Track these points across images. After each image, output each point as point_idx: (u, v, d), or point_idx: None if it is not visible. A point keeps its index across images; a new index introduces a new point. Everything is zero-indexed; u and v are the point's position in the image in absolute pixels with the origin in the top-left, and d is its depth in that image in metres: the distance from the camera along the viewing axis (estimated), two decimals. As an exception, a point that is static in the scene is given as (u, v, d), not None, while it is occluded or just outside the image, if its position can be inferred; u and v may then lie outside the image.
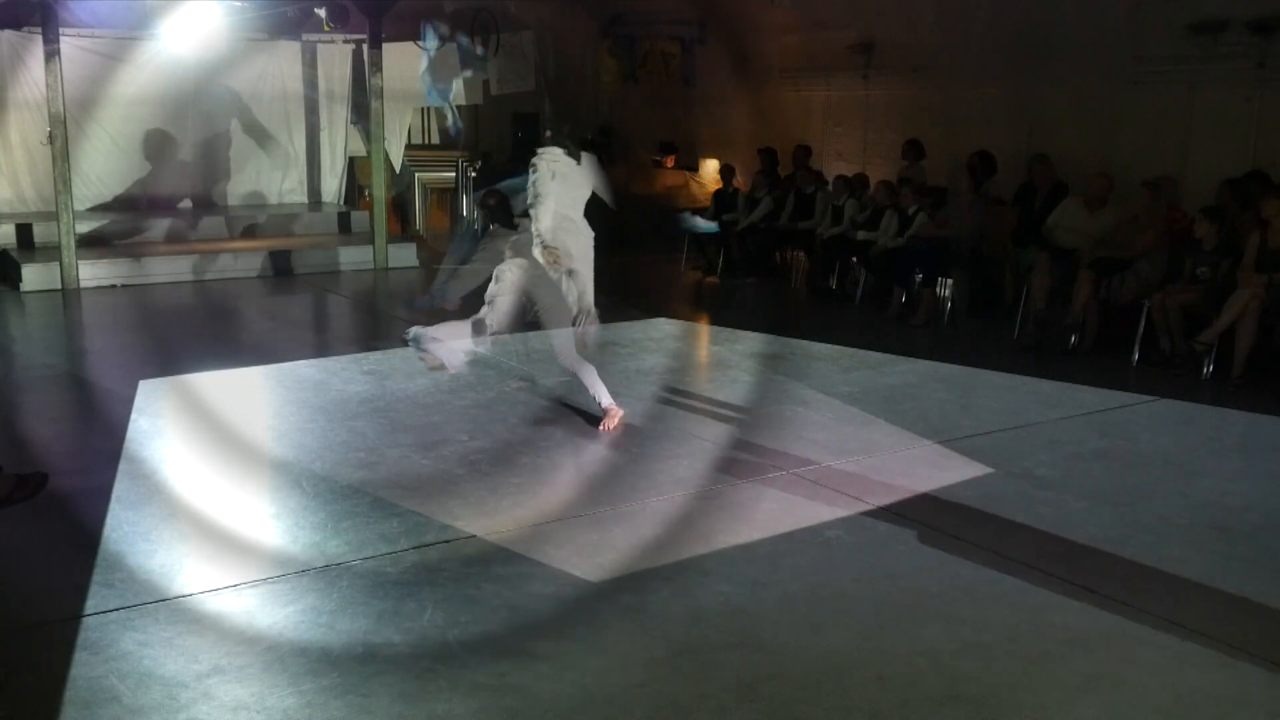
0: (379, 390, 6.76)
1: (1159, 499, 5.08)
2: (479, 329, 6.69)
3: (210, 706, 3.24)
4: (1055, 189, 9.17)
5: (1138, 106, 9.31)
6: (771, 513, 4.84)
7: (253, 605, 3.89)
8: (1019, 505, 4.96)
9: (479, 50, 13.34)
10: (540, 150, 5.91)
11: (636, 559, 4.34)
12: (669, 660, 3.55)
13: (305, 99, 13.69)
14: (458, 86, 13.54)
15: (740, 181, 12.24)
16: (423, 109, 15.93)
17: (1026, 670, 3.54)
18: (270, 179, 13.77)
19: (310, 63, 13.57)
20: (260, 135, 13.55)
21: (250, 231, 12.52)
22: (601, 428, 6.03)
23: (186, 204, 12.85)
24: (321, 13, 11.98)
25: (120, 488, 4.99)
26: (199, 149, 13.16)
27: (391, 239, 12.09)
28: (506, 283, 6.81)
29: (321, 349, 8.42)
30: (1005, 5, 10.07)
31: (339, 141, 14.12)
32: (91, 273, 10.38)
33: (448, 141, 15.90)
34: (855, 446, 5.78)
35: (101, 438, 5.80)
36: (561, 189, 5.78)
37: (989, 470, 5.41)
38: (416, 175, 15.18)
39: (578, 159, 5.92)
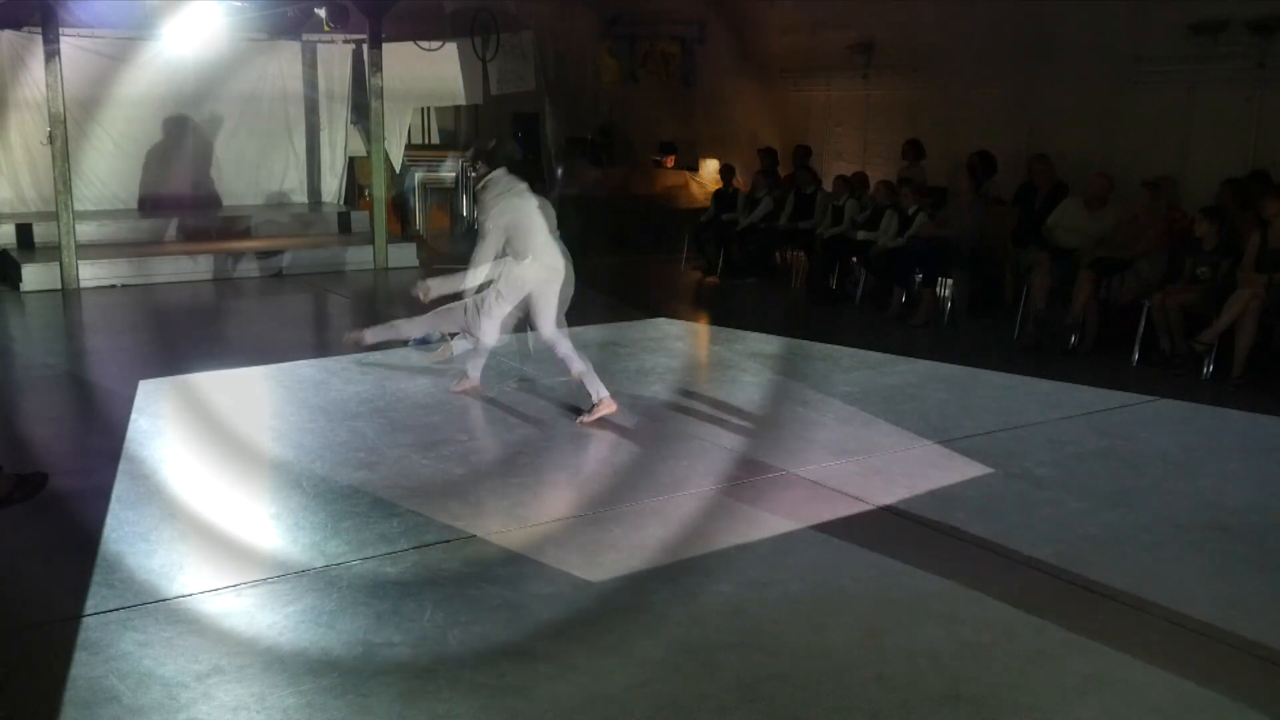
0: (379, 390, 6.76)
1: (1159, 499, 5.08)
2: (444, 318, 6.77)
3: (210, 706, 3.24)
4: (1055, 189, 9.17)
5: (1138, 106, 9.31)
6: (771, 513, 4.83)
7: (253, 605, 3.89)
8: (1019, 505, 4.96)
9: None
10: (486, 181, 5.96)
11: (636, 559, 4.34)
12: (669, 660, 3.55)
13: (305, 99, 13.70)
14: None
15: (740, 181, 12.24)
16: (423, 109, 15.96)
17: (1026, 670, 3.54)
18: (270, 179, 13.77)
19: (310, 63, 13.57)
20: (260, 135, 13.55)
21: (250, 231, 12.52)
22: (581, 420, 6.09)
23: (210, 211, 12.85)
24: (321, 13, 11.97)
25: (120, 488, 4.99)
26: (199, 149, 13.16)
27: (391, 239, 12.08)
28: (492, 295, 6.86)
29: (321, 349, 8.41)
30: (1005, 5, 10.07)
31: (339, 141, 14.12)
32: (91, 273, 10.38)
33: (448, 141, 15.94)
34: (855, 446, 5.78)
35: (101, 438, 5.80)
36: (516, 219, 5.89)
37: (989, 470, 5.41)
38: (416, 175, 15.19)
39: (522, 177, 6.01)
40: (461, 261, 6.97)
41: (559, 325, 6.07)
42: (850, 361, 7.78)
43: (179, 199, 12.97)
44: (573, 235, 7.01)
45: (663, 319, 9.18)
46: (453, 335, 7.44)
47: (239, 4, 11.55)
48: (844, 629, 3.81)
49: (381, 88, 11.72)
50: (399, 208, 14.45)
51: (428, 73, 13.79)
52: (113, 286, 10.44)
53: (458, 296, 6.42)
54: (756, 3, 12.80)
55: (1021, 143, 10.01)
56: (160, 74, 12.57)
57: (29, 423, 6.25)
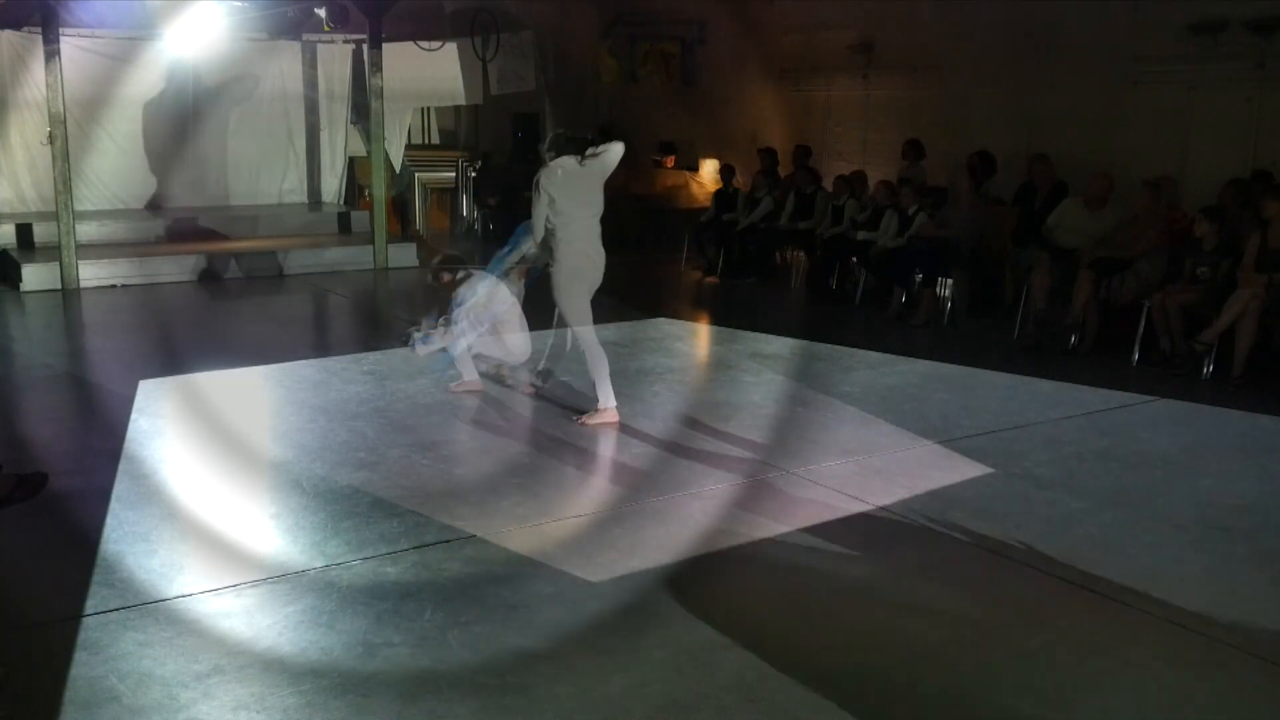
0: (379, 390, 6.76)
1: (1159, 499, 5.08)
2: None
3: (210, 706, 3.24)
4: (1055, 189, 9.17)
5: (1138, 106, 9.31)
6: (771, 513, 4.83)
7: (253, 605, 3.89)
8: (1019, 505, 4.96)
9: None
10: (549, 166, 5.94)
11: (637, 559, 4.33)
12: (669, 660, 3.55)
13: (305, 99, 13.70)
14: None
15: (740, 181, 12.24)
16: (423, 109, 15.96)
17: (1026, 670, 3.54)
18: (270, 179, 13.78)
19: (310, 63, 13.57)
20: (260, 135, 13.56)
21: (250, 231, 12.52)
22: (579, 420, 6.09)
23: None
24: (321, 13, 11.97)
25: (120, 488, 4.99)
26: (199, 149, 13.16)
27: (391, 239, 12.09)
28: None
29: (321, 349, 8.42)
30: (1005, 5, 10.07)
31: (339, 141, 14.12)
32: (91, 273, 10.38)
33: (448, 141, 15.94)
34: (855, 446, 5.78)
35: (101, 438, 5.80)
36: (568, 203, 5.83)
37: (989, 470, 5.41)
38: (416, 175, 15.19)
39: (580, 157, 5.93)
40: (462, 261, 6.99)
41: (586, 321, 6.04)
42: (850, 361, 7.78)
43: (179, 199, 12.98)
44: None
45: (663, 319, 9.18)
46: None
47: (239, 4, 11.55)
48: (844, 629, 3.81)
49: (381, 88, 11.72)
50: (399, 208, 14.45)
51: (428, 73, 13.79)
52: (113, 286, 10.44)
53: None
54: (756, 3, 12.80)
55: (1021, 143, 10.01)
56: (160, 74, 12.59)
57: (29, 423, 6.25)
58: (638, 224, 12.78)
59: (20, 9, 11.05)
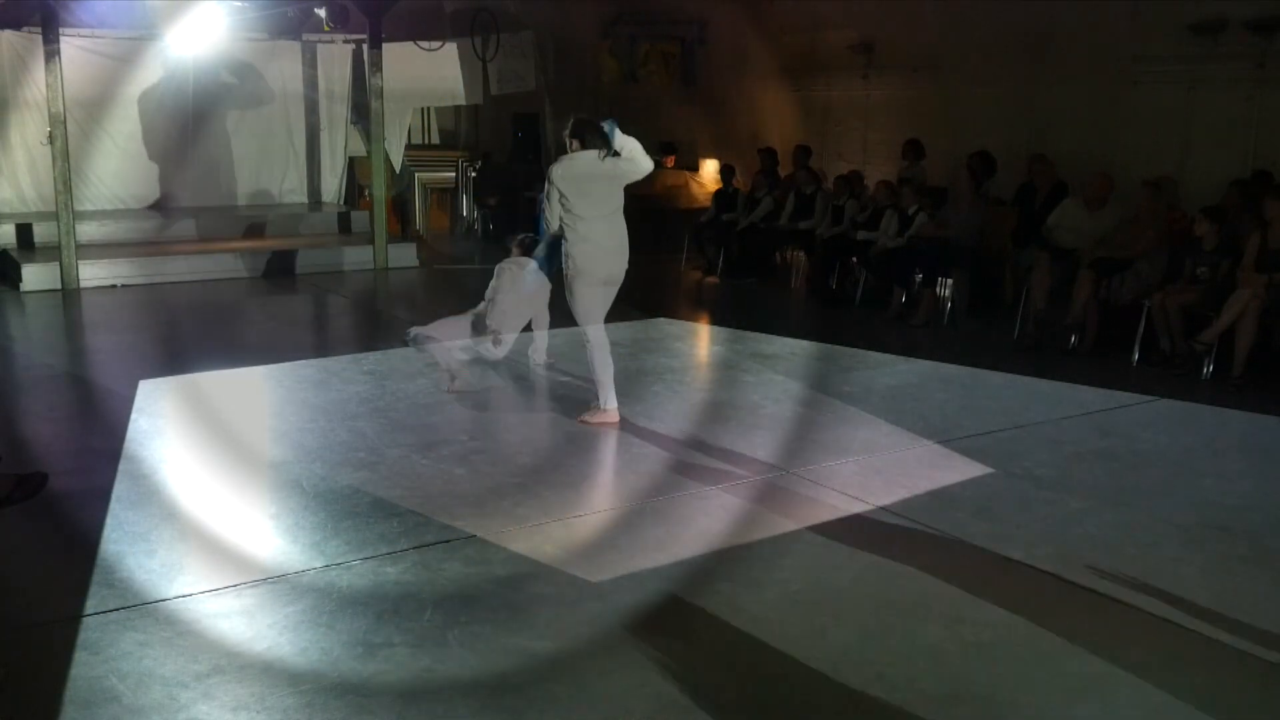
0: (379, 390, 6.76)
1: (1159, 499, 5.08)
2: (479, 326, 6.84)
3: (210, 706, 3.24)
4: (1055, 189, 9.17)
5: (1138, 106, 9.31)
6: (771, 513, 4.83)
7: (253, 605, 3.89)
8: (1019, 505, 4.96)
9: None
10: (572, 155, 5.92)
11: (636, 559, 4.33)
12: (669, 660, 3.55)
13: (305, 99, 13.70)
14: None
15: (740, 181, 12.24)
16: (423, 109, 15.96)
17: (1026, 670, 3.54)
18: (270, 179, 13.78)
19: (310, 63, 13.57)
20: (260, 135, 13.56)
21: (250, 231, 12.52)
22: (580, 418, 6.09)
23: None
24: (321, 13, 11.98)
25: (120, 488, 4.99)
26: (199, 149, 13.16)
27: (391, 239, 12.08)
28: (506, 279, 6.97)
29: (321, 349, 8.41)
30: (1005, 5, 10.07)
31: (339, 141, 14.12)
32: (91, 273, 10.38)
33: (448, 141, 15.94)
34: (855, 446, 5.78)
35: (101, 438, 5.80)
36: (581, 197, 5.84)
37: (989, 470, 5.41)
38: (416, 175, 15.18)
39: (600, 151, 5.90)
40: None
41: (595, 320, 6.04)
42: (850, 361, 7.78)
43: (179, 199, 12.99)
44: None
45: (663, 319, 9.18)
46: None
47: (239, 4, 11.55)
48: (844, 629, 3.81)
49: (381, 88, 11.72)
50: (399, 208, 14.45)
51: (428, 73, 13.78)
52: (113, 286, 10.44)
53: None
54: (756, 3, 12.80)
55: (1021, 143, 10.01)
56: (160, 74, 12.58)
57: (29, 423, 6.25)
58: (638, 224, 12.78)
59: (20, 9, 11.05)
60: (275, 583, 4.07)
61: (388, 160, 12.93)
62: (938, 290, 9.39)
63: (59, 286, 10.18)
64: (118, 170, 12.71)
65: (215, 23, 11.63)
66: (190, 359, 7.67)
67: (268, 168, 13.71)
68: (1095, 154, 9.33)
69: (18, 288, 10.22)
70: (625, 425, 6.05)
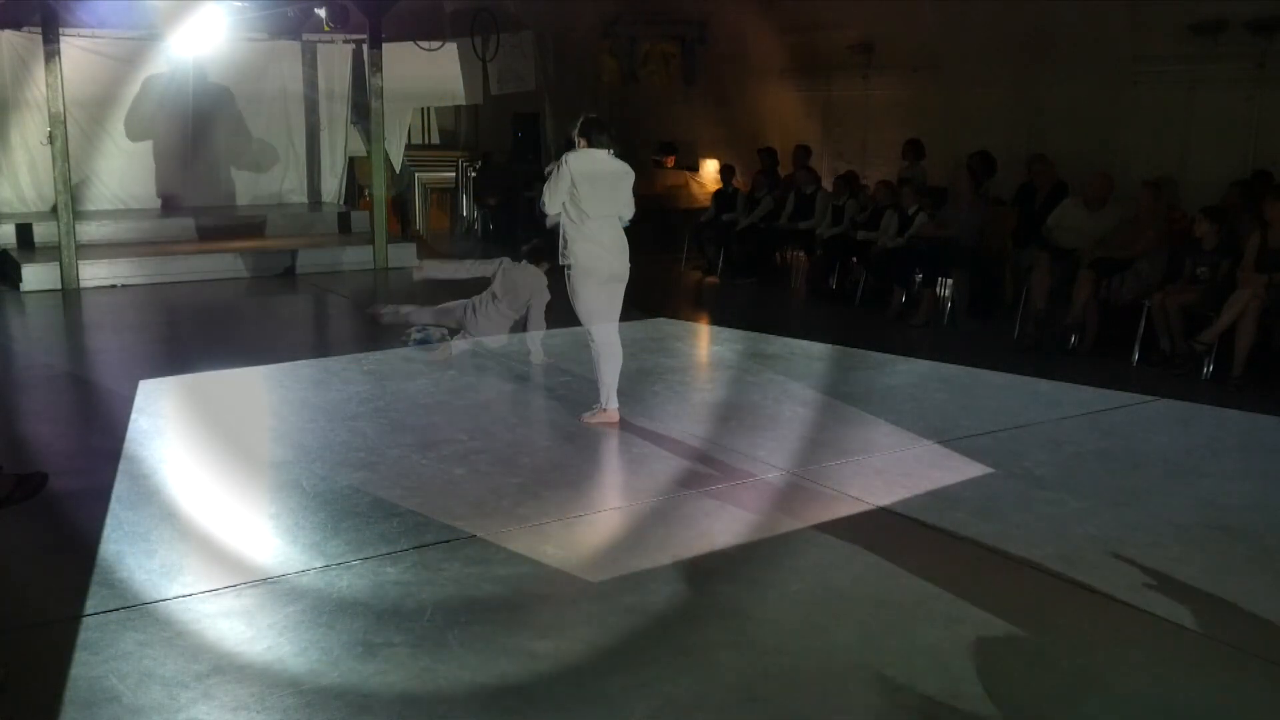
0: (379, 390, 6.76)
1: (1159, 499, 5.08)
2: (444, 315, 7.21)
3: (210, 706, 3.24)
4: (1055, 189, 9.16)
5: (1138, 106, 9.31)
6: (772, 513, 4.83)
7: (253, 605, 3.89)
8: (1019, 505, 4.95)
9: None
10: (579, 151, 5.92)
11: (636, 559, 4.33)
12: (669, 660, 3.55)
13: (305, 99, 13.70)
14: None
15: (740, 181, 12.24)
16: (423, 109, 15.96)
17: (1026, 670, 3.54)
18: (270, 179, 13.78)
19: (310, 63, 13.57)
20: (260, 135, 13.56)
21: (250, 231, 12.52)
22: (582, 418, 6.09)
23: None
24: (321, 13, 11.98)
25: (120, 488, 4.99)
26: (199, 149, 13.17)
27: (391, 239, 12.09)
28: (499, 286, 7.09)
29: (321, 349, 8.42)
30: (1005, 5, 10.06)
31: (339, 141, 14.13)
32: (91, 273, 10.39)
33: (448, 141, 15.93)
34: (855, 446, 5.78)
35: (101, 438, 5.80)
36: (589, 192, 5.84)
37: (989, 470, 5.41)
38: (416, 175, 15.19)
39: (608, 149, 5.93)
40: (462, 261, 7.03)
41: (598, 319, 6.03)
42: (850, 361, 7.78)
43: (179, 199, 13.00)
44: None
45: (663, 319, 9.18)
46: (452, 335, 7.53)
47: (239, 4, 11.55)
48: (844, 629, 3.81)
49: (381, 88, 11.72)
50: (399, 208, 14.45)
51: (428, 73, 13.79)
52: (113, 286, 10.44)
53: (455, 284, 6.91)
54: (756, 3, 12.80)
55: (1021, 143, 10.01)
56: (160, 74, 12.58)
57: (29, 423, 6.25)
58: (638, 224, 12.78)
59: (20, 9, 11.06)
60: (275, 583, 4.07)
61: (388, 160, 12.93)
62: (938, 290, 9.39)
63: (59, 286, 10.18)
64: (117, 170, 12.72)
65: (215, 23, 11.63)
66: (190, 359, 7.67)
67: (268, 168, 13.71)
68: (1095, 154, 9.33)
69: (18, 288, 10.22)
70: (625, 425, 6.05)
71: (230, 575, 4.11)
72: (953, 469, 5.44)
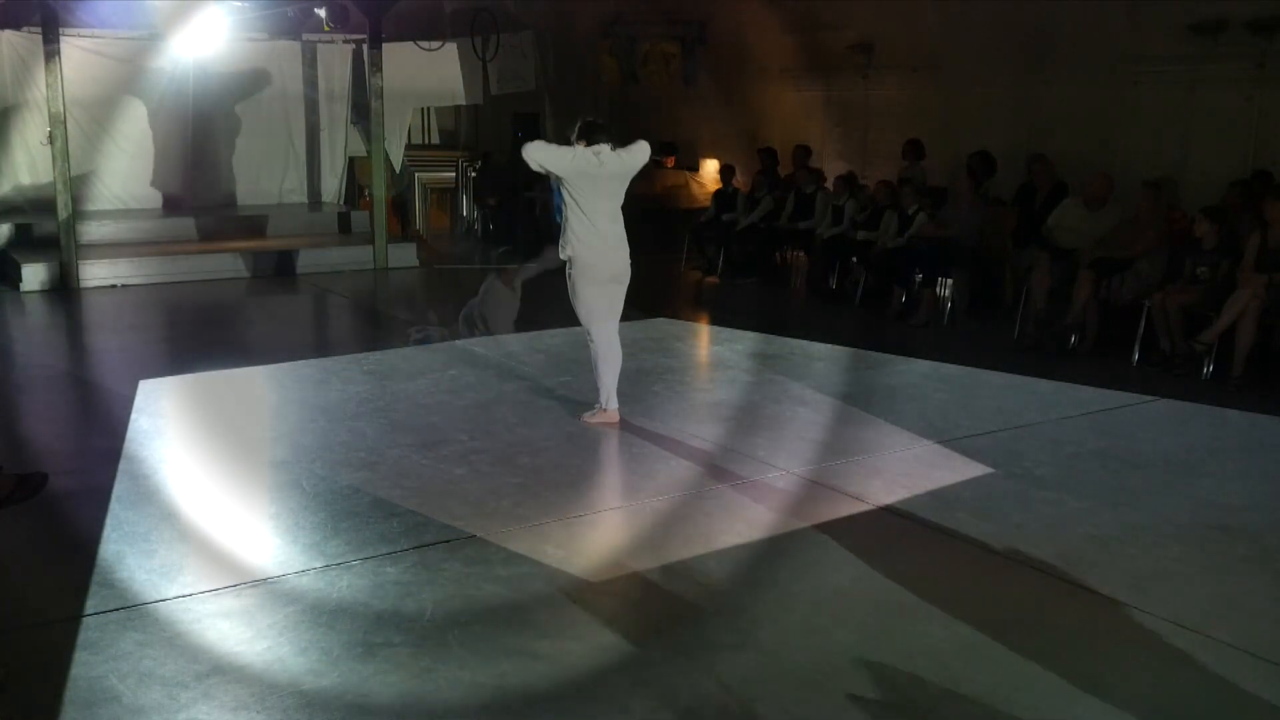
0: (379, 390, 6.76)
1: (1159, 499, 5.08)
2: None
3: (210, 706, 3.24)
4: (1055, 189, 9.17)
5: (1138, 106, 9.31)
6: (772, 513, 4.83)
7: (253, 605, 3.89)
8: (1019, 505, 4.95)
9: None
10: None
11: (636, 559, 4.33)
12: (669, 660, 3.55)
13: (305, 99, 13.70)
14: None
15: (740, 181, 12.24)
16: (423, 109, 15.95)
17: (1026, 670, 3.54)
18: (270, 179, 13.78)
19: (310, 63, 13.57)
20: (260, 135, 13.56)
21: (250, 231, 12.53)
22: (582, 418, 6.09)
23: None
24: (321, 13, 11.98)
25: (120, 488, 4.99)
26: (199, 149, 13.16)
27: (391, 239, 12.09)
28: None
29: (321, 349, 8.42)
30: (1005, 5, 10.07)
31: (339, 141, 14.12)
32: (91, 273, 10.39)
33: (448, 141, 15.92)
34: (855, 446, 5.78)
35: (101, 438, 5.80)
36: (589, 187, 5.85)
37: (989, 470, 5.41)
38: (416, 175, 15.18)
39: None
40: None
41: (598, 320, 6.03)
42: (850, 361, 7.78)
43: (178, 199, 13.00)
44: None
45: (663, 319, 9.18)
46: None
47: (239, 4, 11.55)
48: (844, 629, 3.81)
49: (381, 88, 11.72)
50: (399, 208, 14.45)
51: (428, 73, 13.79)
52: (113, 286, 10.44)
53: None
54: (756, 2, 12.80)
55: (1021, 143, 10.01)
56: (160, 74, 12.58)
57: (29, 423, 6.25)
58: (637, 224, 12.79)
59: (20, 9, 11.07)
60: (275, 583, 4.07)
61: (388, 160, 12.93)
62: (938, 290, 9.39)
63: (59, 286, 10.18)
64: (117, 170, 12.71)
65: (215, 23, 11.63)
66: (190, 359, 7.67)
67: (268, 168, 13.71)
68: (1095, 154, 9.33)
69: (18, 288, 10.22)
70: (625, 425, 6.05)
71: (230, 575, 4.11)
72: (953, 469, 5.44)
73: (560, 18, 14.09)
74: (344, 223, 13.10)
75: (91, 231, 11.30)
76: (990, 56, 10.33)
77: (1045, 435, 6.04)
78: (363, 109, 12.91)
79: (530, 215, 13.83)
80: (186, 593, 3.97)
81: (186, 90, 12.85)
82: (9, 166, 12.16)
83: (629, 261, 6.07)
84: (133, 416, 6.11)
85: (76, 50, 11.53)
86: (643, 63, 14.17)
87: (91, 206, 12.22)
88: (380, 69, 11.70)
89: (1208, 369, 7.33)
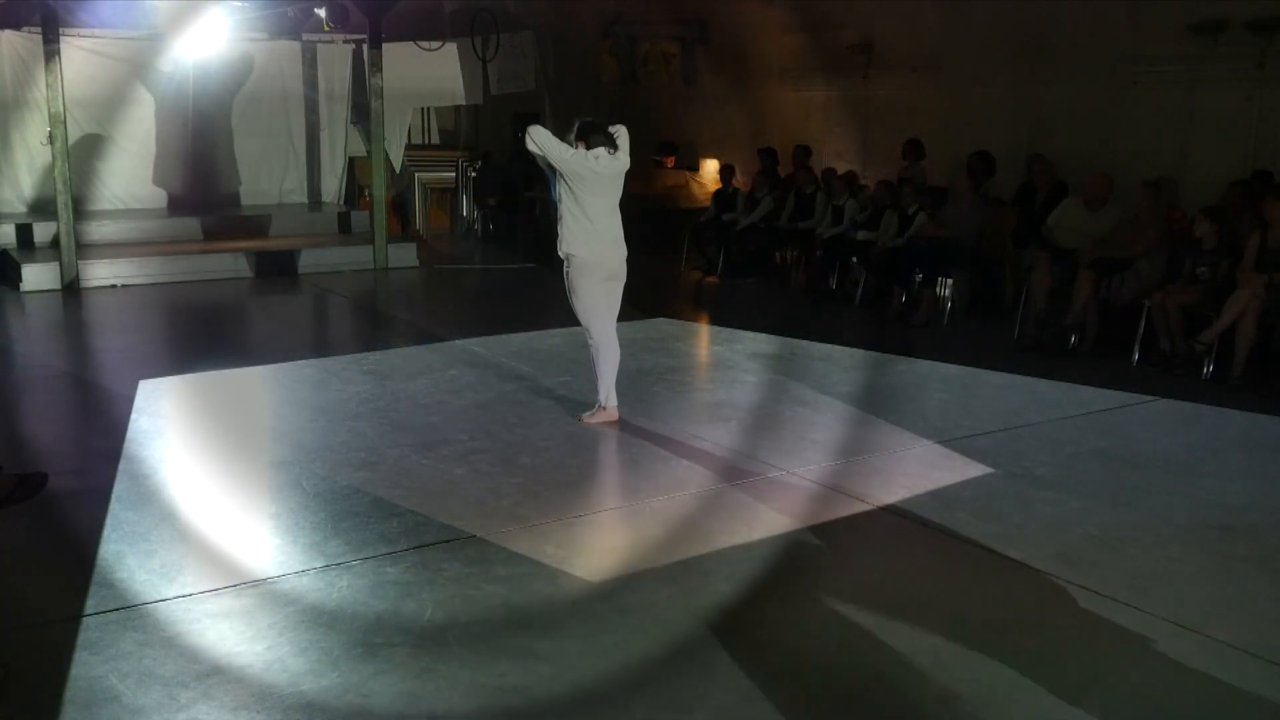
0: (379, 390, 6.76)
1: (1159, 499, 5.08)
2: None
3: (210, 706, 3.24)
4: (1055, 189, 9.16)
5: (1138, 106, 9.31)
6: (771, 513, 4.83)
7: (253, 605, 3.89)
8: (1019, 505, 4.95)
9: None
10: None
11: (636, 559, 4.34)
12: (669, 660, 3.55)
13: (305, 99, 13.70)
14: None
15: (740, 181, 12.24)
16: (423, 109, 15.95)
17: (1027, 670, 3.54)
18: (270, 179, 13.77)
19: (310, 63, 13.57)
20: (260, 135, 13.55)
21: (250, 231, 12.52)
22: (582, 418, 6.09)
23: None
24: (321, 13, 11.98)
25: (120, 488, 4.99)
26: (199, 149, 13.16)
27: (391, 239, 12.08)
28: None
29: (321, 349, 8.42)
30: (1005, 5, 10.07)
31: (339, 141, 14.12)
32: (92, 273, 10.38)
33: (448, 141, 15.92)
34: (855, 446, 5.78)
35: (101, 438, 5.80)
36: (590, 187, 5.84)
37: (989, 470, 5.41)
38: (416, 175, 15.18)
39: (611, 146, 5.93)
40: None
41: (596, 318, 6.03)
42: (850, 361, 7.78)
43: (178, 199, 13.00)
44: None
45: (663, 319, 9.18)
46: None
47: (239, 4, 11.55)
48: (844, 629, 3.81)
49: (381, 88, 11.71)
50: (399, 208, 14.45)
51: (428, 73, 13.78)
52: (113, 286, 10.44)
53: None
54: (756, 2, 12.80)
55: (1021, 143, 10.01)
56: (160, 74, 12.58)
57: (29, 423, 6.25)
58: (637, 224, 12.80)
59: (21, 9, 11.06)
60: (275, 583, 4.07)
61: (388, 160, 12.93)
62: (938, 290, 9.39)
63: (59, 286, 10.18)
64: (117, 170, 12.71)
65: (215, 23, 11.63)
66: (190, 359, 7.67)
67: (268, 168, 13.71)
68: (1095, 154, 9.32)
69: (18, 288, 10.21)
70: (625, 425, 6.06)
71: (230, 575, 4.11)
72: (953, 469, 5.44)
73: (560, 18, 14.09)
74: (344, 223, 13.09)
75: (92, 231, 11.30)
76: (990, 56, 10.33)
77: (1045, 435, 6.04)
78: (363, 109, 12.91)
79: (530, 215, 13.83)
80: (186, 593, 3.97)
81: (186, 90, 12.85)
82: (9, 166, 12.16)
83: (626, 259, 6.07)
84: (133, 416, 6.12)
85: (76, 50, 11.53)
86: (643, 62, 14.18)
87: (91, 206, 12.23)
88: (380, 69, 11.70)
89: (1208, 369, 7.32)
